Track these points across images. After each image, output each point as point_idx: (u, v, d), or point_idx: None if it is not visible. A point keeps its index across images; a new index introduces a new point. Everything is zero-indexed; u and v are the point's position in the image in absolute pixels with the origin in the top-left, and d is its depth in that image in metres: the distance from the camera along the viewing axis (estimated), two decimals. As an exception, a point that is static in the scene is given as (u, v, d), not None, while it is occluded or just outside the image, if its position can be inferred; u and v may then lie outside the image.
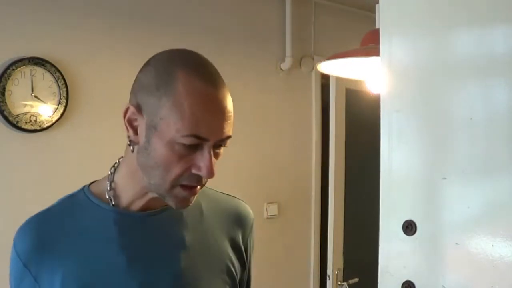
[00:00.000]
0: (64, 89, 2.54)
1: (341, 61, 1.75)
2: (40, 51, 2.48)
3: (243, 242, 1.19)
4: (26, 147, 2.48)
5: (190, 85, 0.99)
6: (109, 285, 1.03)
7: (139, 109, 1.02)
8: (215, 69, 1.06)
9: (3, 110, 2.36)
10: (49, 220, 1.11)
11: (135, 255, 1.05)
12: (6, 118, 2.37)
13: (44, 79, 2.48)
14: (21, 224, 1.13)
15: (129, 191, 1.10)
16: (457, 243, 0.74)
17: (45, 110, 2.49)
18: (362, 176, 2.70)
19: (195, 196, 1.07)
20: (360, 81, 2.03)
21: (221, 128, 1.01)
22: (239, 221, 1.20)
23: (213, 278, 1.12)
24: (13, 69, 2.39)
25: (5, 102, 2.36)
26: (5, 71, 2.36)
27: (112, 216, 1.08)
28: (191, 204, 1.07)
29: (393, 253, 0.80)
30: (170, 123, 0.98)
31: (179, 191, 1.03)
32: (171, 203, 1.06)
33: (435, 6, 0.78)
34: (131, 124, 1.04)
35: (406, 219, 0.78)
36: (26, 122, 2.43)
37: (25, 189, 2.48)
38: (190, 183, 1.03)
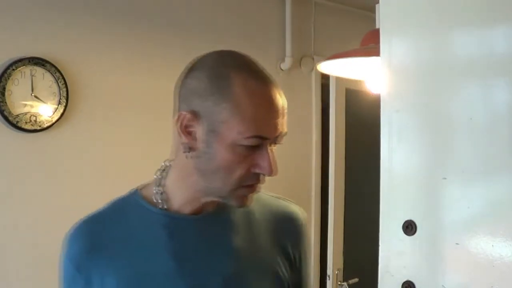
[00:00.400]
0: (64, 89, 2.54)
1: (341, 61, 1.75)
2: (40, 51, 2.48)
3: (292, 247, 1.18)
4: (26, 147, 2.48)
5: (246, 86, 1.00)
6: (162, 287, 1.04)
7: (195, 115, 1.02)
8: (262, 66, 1.07)
9: (3, 110, 2.36)
10: (99, 224, 1.11)
11: (185, 258, 1.06)
12: (6, 118, 2.37)
13: (44, 79, 2.48)
14: (71, 228, 1.12)
15: (181, 194, 1.10)
16: (457, 243, 0.74)
17: (45, 110, 2.49)
18: (362, 176, 2.70)
19: (256, 193, 1.08)
20: (360, 81, 2.03)
21: (279, 125, 1.03)
22: (287, 224, 1.19)
23: (261, 283, 1.12)
24: (13, 69, 2.39)
25: (5, 102, 2.36)
26: (5, 71, 2.36)
27: (162, 219, 1.08)
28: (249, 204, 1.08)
29: (393, 253, 0.80)
30: (232, 126, 1.00)
31: (241, 191, 1.05)
32: (233, 202, 1.07)
33: (435, 6, 0.78)
34: (186, 131, 1.04)
35: (406, 219, 0.78)
36: (26, 122, 2.43)
37: (25, 189, 2.48)
38: (252, 183, 1.04)
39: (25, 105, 2.43)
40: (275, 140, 1.04)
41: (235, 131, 1.00)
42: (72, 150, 2.61)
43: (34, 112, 2.46)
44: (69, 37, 2.59)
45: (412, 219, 0.78)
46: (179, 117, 1.04)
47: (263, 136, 1.01)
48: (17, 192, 2.47)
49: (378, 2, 0.88)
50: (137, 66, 2.79)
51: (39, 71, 2.47)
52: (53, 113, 2.51)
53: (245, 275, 1.10)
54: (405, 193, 0.81)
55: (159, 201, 1.10)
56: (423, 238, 0.77)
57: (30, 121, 2.44)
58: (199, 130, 1.03)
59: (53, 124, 2.51)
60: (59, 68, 2.52)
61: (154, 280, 1.04)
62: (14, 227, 2.45)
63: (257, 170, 1.03)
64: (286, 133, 1.06)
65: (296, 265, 1.19)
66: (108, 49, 2.72)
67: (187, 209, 1.09)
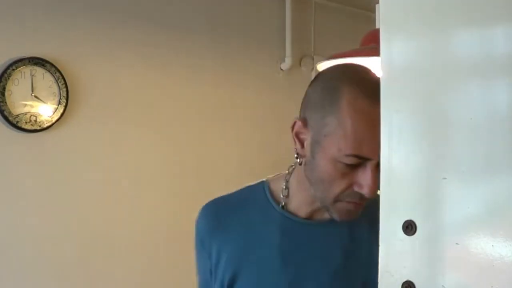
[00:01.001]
0: (64, 89, 2.54)
1: (341, 61, 1.75)
2: (40, 51, 2.48)
3: None
4: (26, 147, 2.48)
5: (354, 103, 0.99)
6: (262, 277, 1.12)
7: (305, 123, 1.06)
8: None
9: (3, 110, 2.36)
10: (224, 206, 1.21)
11: (290, 258, 1.11)
12: (6, 118, 2.37)
13: (44, 79, 2.49)
14: (203, 204, 1.24)
15: (299, 195, 1.14)
16: (457, 243, 0.74)
17: (45, 110, 2.49)
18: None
19: (360, 210, 1.07)
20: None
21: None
22: None
23: None
24: (13, 69, 2.39)
25: (5, 102, 2.36)
26: (5, 71, 2.36)
27: (280, 218, 1.14)
28: (356, 217, 1.08)
29: (393, 253, 0.80)
30: (333, 141, 1.00)
31: (342, 205, 1.05)
32: (334, 216, 1.08)
33: (436, 6, 0.78)
34: (298, 138, 1.08)
35: (406, 219, 0.78)
36: (26, 122, 2.43)
37: (25, 189, 2.48)
38: (353, 200, 1.04)
39: (25, 105, 2.44)
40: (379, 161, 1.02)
41: (336, 147, 1.00)
42: (72, 150, 2.61)
43: (34, 112, 2.46)
44: (69, 37, 2.59)
45: (412, 219, 0.78)
46: (293, 123, 1.09)
47: (363, 156, 0.99)
48: (17, 192, 2.47)
49: (378, 2, 0.88)
50: (138, 66, 2.79)
51: (39, 71, 2.47)
52: (53, 113, 2.51)
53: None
54: (405, 193, 0.80)
55: (282, 196, 1.15)
56: (423, 238, 0.77)
57: (30, 121, 2.44)
58: (307, 139, 1.06)
59: (53, 124, 2.51)
60: (59, 68, 2.53)
61: (258, 270, 1.12)
62: (14, 227, 2.45)
63: (356, 189, 1.02)
64: None
65: None
66: (108, 49, 2.72)
67: (302, 212, 1.13)
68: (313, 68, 3.48)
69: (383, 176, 0.81)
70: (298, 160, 1.09)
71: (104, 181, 2.71)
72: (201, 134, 3.05)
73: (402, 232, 0.77)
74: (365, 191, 1.01)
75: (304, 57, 3.48)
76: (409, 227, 0.76)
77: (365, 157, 1.00)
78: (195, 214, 1.36)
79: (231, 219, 1.18)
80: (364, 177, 1.01)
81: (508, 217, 0.70)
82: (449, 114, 0.76)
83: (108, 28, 2.72)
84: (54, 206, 2.56)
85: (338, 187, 1.03)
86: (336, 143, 1.00)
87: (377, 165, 1.00)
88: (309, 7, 3.50)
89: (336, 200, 1.05)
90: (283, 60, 3.38)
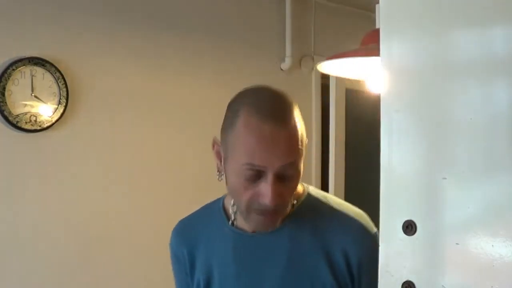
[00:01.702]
0: (64, 89, 2.54)
1: (341, 61, 1.75)
2: (40, 51, 2.48)
3: (347, 266, 1.18)
4: (26, 147, 2.48)
5: (247, 121, 1.11)
6: (224, 285, 1.24)
7: (219, 143, 1.19)
8: (284, 106, 1.15)
9: (3, 110, 2.36)
10: (189, 224, 1.36)
11: (242, 266, 1.23)
12: (6, 118, 2.37)
13: (44, 79, 2.49)
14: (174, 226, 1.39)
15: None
16: (457, 243, 0.74)
17: (45, 110, 2.49)
18: (362, 176, 2.70)
19: (278, 219, 1.16)
20: (360, 81, 2.02)
21: (276, 157, 1.09)
22: (343, 244, 1.19)
23: None
24: (13, 69, 2.39)
25: (5, 102, 2.36)
26: (5, 71, 2.36)
27: (230, 233, 1.25)
28: (277, 226, 1.18)
29: (393, 253, 0.80)
30: (234, 156, 1.12)
31: (254, 216, 1.15)
32: (250, 225, 1.19)
33: (436, 6, 0.78)
34: (218, 155, 1.19)
35: (406, 219, 0.78)
36: (26, 122, 2.43)
37: (25, 189, 2.48)
38: (260, 208, 1.12)
39: (25, 105, 2.44)
40: (282, 170, 1.10)
41: (235, 160, 1.11)
42: (72, 150, 2.61)
43: (34, 112, 2.46)
44: (69, 37, 2.59)
45: (412, 219, 0.78)
46: (213, 143, 1.20)
47: (255, 164, 1.08)
48: (17, 192, 2.47)
49: (378, 2, 0.88)
50: (138, 66, 2.79)
51: (39, 71, 2.47)
52: (53, 113, 2.51)
53: None
54: (405, 193, 0.81)
55: (231, 212, 1.25)
56: (423, 238, 0.77)
57: (30, 121, 2.44)
58: (223, 156, 1.17)
59: (53, 124, 2.51)
60: (59, 68, 2.52)
61: (221, 278, 1.25)
62: (14, 226, 2.46)
63: (259, 199, 1.11)
64: (291, 163, 1.10)
65: (350, 284, 1.19)
66: (108, 49, 2.72)
67: (246, 225, 1.22)
68: (313, 68, 3.48)
69: (383, 176, 0.81)
70: (218, 175, 1.19)
71: (104, 181, 2.71)
72: (202, 134, 3.04)
73: (402, 232, 0.77)
74: (265, 200, 1.10)
75: (304, 57, 3.47)
76: (409, 227, 0.77)
77: (258, 165, 1.09)
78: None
79: (195, 235, 1.31)
80: (263, 187, 1.10)
81: (508, 217, 0.70)
82: (449, 114, 0.76)
83: (108, 29, 2.72)
84: (54, 206, 2.56)
85: (244, 197, 1.12)
86: (235, 157, 1.11)
87: (278, 176, 1.10)
88: (309, 7, 3.50)
89: (247, 209, 1.14)
90: (283, 60, 3.38)
